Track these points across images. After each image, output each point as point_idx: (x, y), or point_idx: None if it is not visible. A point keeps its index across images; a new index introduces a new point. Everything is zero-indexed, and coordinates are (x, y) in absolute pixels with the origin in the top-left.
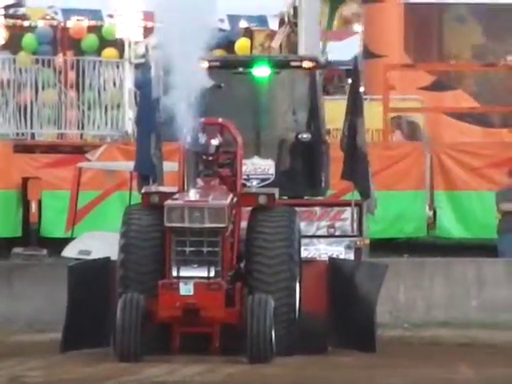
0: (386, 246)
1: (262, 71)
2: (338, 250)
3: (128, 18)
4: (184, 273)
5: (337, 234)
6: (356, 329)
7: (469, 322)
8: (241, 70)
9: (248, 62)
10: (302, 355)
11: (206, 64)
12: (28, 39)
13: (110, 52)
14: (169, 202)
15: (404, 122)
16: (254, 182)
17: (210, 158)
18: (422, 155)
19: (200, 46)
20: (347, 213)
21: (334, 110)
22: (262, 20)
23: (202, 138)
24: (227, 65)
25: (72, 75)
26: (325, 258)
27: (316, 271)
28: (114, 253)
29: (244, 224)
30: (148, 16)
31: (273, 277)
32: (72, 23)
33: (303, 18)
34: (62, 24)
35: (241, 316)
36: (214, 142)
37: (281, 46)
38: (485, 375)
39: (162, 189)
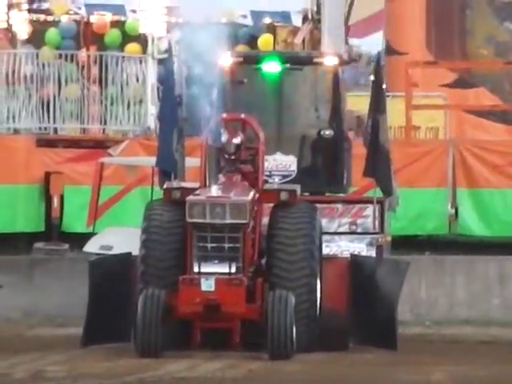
0: (407, 244)
1: (275, 67)
2: (360, 247)
3: (151, 13)
4: (205, 268)
5: (358, 231)
6: (377, 326)
7: (490, 320)
8: (263, 66)
9: (271, 58)
10: (323, 352)
11: (229, 60)
12: (51, 34)
13: (133, 47)
14: (190, 197)
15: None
16: (276, 179)
17: (232, 157)
18: (444, 153)
19: (222, 41)
20: (369, 210)
21: (358, 106)
22: (285, 16)
23: (224, 137)
24: (250, 60)
25: (95, 70)
26: (346, 254)
27: (337, 268)
28: (135, 248)
29: (265, 220)
30: (171, 11)
31: (293, 273)
32: (95, 18)
33: (326, 15)
34: (86, 19)
35: (261, 312)
36: (236, 140)
37: (304, 42)
38: (506, 373)
39: (184, 184)
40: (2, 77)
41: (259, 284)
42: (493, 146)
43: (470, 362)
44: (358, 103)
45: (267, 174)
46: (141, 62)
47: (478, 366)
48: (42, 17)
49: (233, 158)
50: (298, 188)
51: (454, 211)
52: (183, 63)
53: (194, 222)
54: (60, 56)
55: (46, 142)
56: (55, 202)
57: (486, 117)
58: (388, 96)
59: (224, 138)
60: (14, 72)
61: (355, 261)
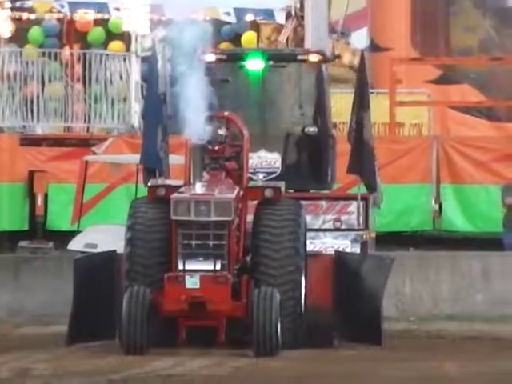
0: (392, 240)
1: (259, 65)
2: (344, 244)
3: (135, 10)
4: (190, 266)
5: (343, 227)
6: (362, 322)
7: (475, 315)
8: (247, 63)
9: (254, 56)
10: (308, 348)
11: (212, 57)
12: (35, 32)
13: (116, 45)
14: (175, 195)
15: None
16: (261, 176)
17: (217, 148)
18: (428, 149)
19: (206, 39)
20: (353, 206)
21: (341, 104)
22: (268, 13)
23: (208, 129)
24: (234, 58)
25: (78, 68)
26: (331, 251)
27: (322, 265)
28: (120, 246)
29: (250, 217)
30: (155, 9)
31: (279, 270)
32: (79, 16)
33: (310, 12)
34: (69, 17)
35: (247, 309)
36: (221, 131)
37: (287, 39)
38: (491, 368)
39: (169, 182)
40: None
41: (244, 281)
42: (477, 143)
43: (455, 357)
44: (341, 100)
45: (251, 171)
46: (124, 60)
47: (462, 362)
48: (25, 15)
49: (216, 151)
50: (282, 185)
51: (438, 207)
52: (167, 61)
53: (179, 219)
54: (43, 54)
55: (30, 141)
56: (39, 200)
57: (471, 113)
58: (372, 93)
59: (208, 130)
60: None
61: (340, 257)
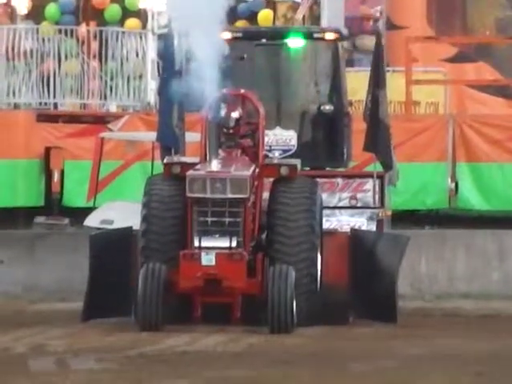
0: (407, 218)
1: (286, 42)
2: (360, 222)
3: None
4: (206, 243)
5: (359, 205)
6: (377, 300)
7: (490, 293)
8: (263, 41)
9: (271, 34)
10: (323, 326)
11: (228, 35)
12: (51, 9)
13: (132, 22)
14: (191, 172)
15: None
16: (276, 153)
17: (231, 131)
18: (444, 127)
19: (222, 16)
20: (369, 184)
21: (357, 82)
22: None
23: (223, 111)
24: (250, 36)
25: (95, 45)
26: (347, 229)
27: (338, 242)
28: (135, 223)
29: (266, 195)
30: None
31: (294, 248)
32: None
33: None
34: None
35: (262, 286)
36: (234, 114)
37: (304, 17)
38: (506, 346)
39: (184, 159)
40: (2, 52)
41: (260, 259)
42: (493, 121)
43: (470, 335)
44: (356, 78)
45: (267, 148)
46: (141, 38)
47: (477, 340)
48: None
49: (231, 132)
50: (298, 163)
51: (453, 186)
52: (183, 38)
53: (195, 196)
54: (60, 31)
55: (46, 117)
56: (55, 176)
57: (487, 91)
58: (388, 71)
59: (223, 112)
60: (13, 47)
61: (355, 235)
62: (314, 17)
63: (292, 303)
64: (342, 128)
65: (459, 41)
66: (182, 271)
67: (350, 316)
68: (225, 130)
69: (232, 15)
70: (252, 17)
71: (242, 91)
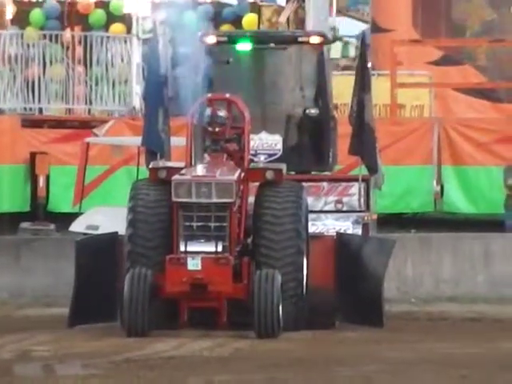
0: (393, 221)
1: (271, 47)
2: (346, 225)
3: None
4: (191, 248)
5: (344, 209)
6: (363, 304)
7: (476, 297)
8: (248, 45)
9: (255, 38)
10: (310, 330)
11: (213, 39)
12: (36, 14)
13: (117, 27)
14: (176, 177)
15: None
16: (262, 158)
17: (217, 130)
18: (429, 130)
19: (207, 21)
20: (355, 188)
21: (342, 85)
22: None
23: (208, 111)
24: (235, 40)
25: (80, 50)
26: (332, 233)
27: (323, 246)
28: (121, 228)
29: (251, 199)
30: None
31: (280, 252)
32: None
33: None
34: None
35: (248, 291)
36: (221, 113)
37: (288, 21)
38: (491, 350)
39: (170, 164)
40: None
41: (246, 263)
42: (478, 124)
43: (457, 338)
44: (342, 82)
45: (253, 153)
46: (126, 42)
47: (464, 343)
48: None
49: (217, 131)
50: (283, 167)
51: (439, 189)
52: (168, 43)
53: (180, 201)
54: (44, 36)
55: (31, 123)
56: (41, 182)
57: (472, 94)
58: (373, 74)
59: (208, 113)
60: None
61: (341, 239)
62: (299, 20)
63: (278, 308)
64: (327, 132)
65: (444, 44)
66: (168, 276)
67: (336, 320)
68: (210, 129)
69: (217, 19)
70: (237, 21)
71: (228, 95)
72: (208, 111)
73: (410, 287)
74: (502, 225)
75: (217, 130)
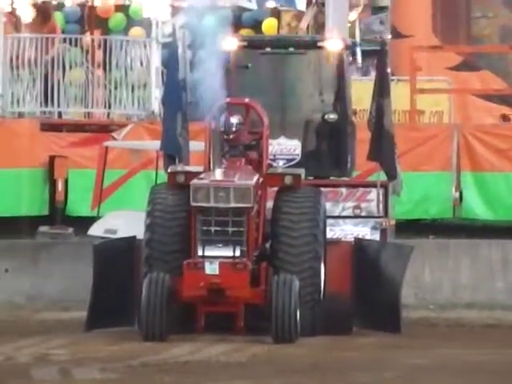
0: (411, 227)
1: (291, 51)
2: (364, 231)
3: None
4: (209, 252)
5: (362, 214)
6: (381, 310)
7: (494, 303)
8: (268, 50)
9: (275, 42)
10: (327, 336)
11: (233, 44)
12: (56, 18)
13: (137, 31)
14: (195, 181)
15: None
16: (280, 163)
17: (231, 136)
18: (448, 136)
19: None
20: (373, 194)
21: (361, 91)
22: (289, 0)
23: (223, 118)
24: (254, 45)
25: (99, 54)
26: (350, 238)
27: (341, 252)
28: (139, 232)
29: (269, 204)
30: None
31: (298, 257)
32: (99, 2)
33: None
34: (90, 3)
35: (266, 296)
36: (234, 120)
37: (308, 26)
38: (509, 356)
39: (188, 168)
40: (7, 61)
41: (263, 268)
42: (497, 130)
43: (474, 345)
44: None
45: (271, 158)
46: (145, 46)
47: (482, 350)
48: (46, 0)
49: (232, 138)
50: (302, 172)
51: (458, 195)
52: (187, 47)
53: (198, 205)
54: (64, 40)
55: (50, 126)
56: (59, 185)
57: (491, 100)
58: (393, 80)
59: (223, 118)
60: (18, 56)
61: (359, 245)
62: (319, 25)
63: (296, 313)
64: (345, 137)
65: (464, 50)
66: (186, 280)
67: (353, 326)
68: (225, 137)
69: (236, 24)
70: (256, 26)
71: (246, 100)
72: (222, 118)
73: (427, 293)
74: None
75: (231, 136)
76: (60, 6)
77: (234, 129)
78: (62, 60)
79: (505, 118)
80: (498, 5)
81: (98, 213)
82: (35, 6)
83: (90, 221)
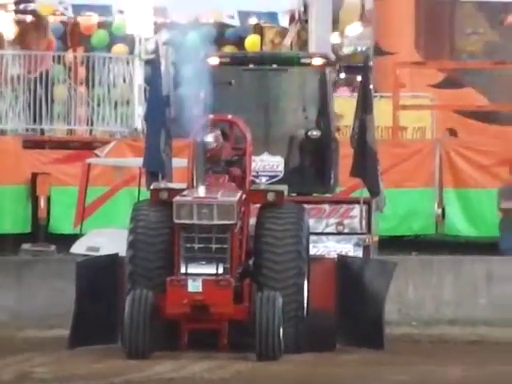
0: (394, 244)
1: (273, 68)
2: (347, 248)
3: (138, 13)
4: (192, 269)
5: (345, 231)
6: (364, 326)
7: (477, 319)
8: (251, 66)
9: (258, 59)
10: (311, 352)
11: (216, 60)
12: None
13: (120, 48)
14: (177, 198)
15: None
16: (263, 179)
17: (214, 153)
18: (431, 153)
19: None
20: (356, 210)
21: (344, 107)
22: (272, 17)
23: (207, 132)
24: (237, 61)
25: (82, 71)
26: (333, 255)
27: (325, 268)
28: (122, 249)
29: (253, 221)
30: (158, 12)
31: (281, 274)
32: (82, 19)
33: (314, 15)
34: (73, 20)
35: (249, 313)
36: (209, 138)
37: (291, 42)
38: (493, 373)
39: (171, 185)
40: None
41: (247, 285)
42: (479, 146)
43: (457, 361)
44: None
45: (254, 174)
46: (128, 63)
47: (465, 366)
48: (28, 17)
49: (212, 153)
50: (285, 188)
51: (440, 211)
52: (170, 64)
53: (182, 222)
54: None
55: (33, 143)
56: (42, 203)
57: (474, 117)
58: (376, 96)
59: (207, 133)
60: (0, 73)
61: (342, 261)
62: (302, 42)
63: (279, 329)
64: (329, 154)
65: (447, 66)
66: (169, 297)
67: (337, 342)
68: (208, 153)
69: (219, 40)
70: (239, 42)
71: (229, 117)
72: (206, 132)
73: (411, 309)
74: (497, 248)
75: (214, 152)
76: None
77: (216, 145)
78: (45, 77)
79: (451, 132)
80: (481, 21)
81: (80, 230)
82: (33, 22)
83: (72, 238)
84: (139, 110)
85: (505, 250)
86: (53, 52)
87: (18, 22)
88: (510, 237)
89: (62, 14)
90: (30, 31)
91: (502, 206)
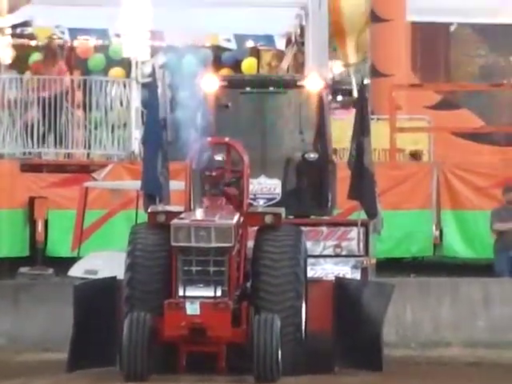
0: (392, 266)
1: (271, 91)
2: (345, 270)
3: (135, 37)
4: (190, 292)
5: (343, 253)
6: (363, 348)
7: (475, 341)
8: (248, 89)
9: (255, 82)
10: (309, 375)
11: (213, 83)
12: (35, 58)
13: (116, 71)
14: (175, 221)
15: None
16: (261, 202)
17: (214, 174)
18: (428, 175)
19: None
20: (354, 232)
21: (341, 130)
22: (268, 39)
23: (206, 155)
24: (234, 84)
25: (79, 95)
26: (331, 277)
27: (322, 291)
28: (120, 272)
29: (250, 243)
30: (155, 35)
31: (279, 296)
32: (79, 43)
33: (310, 38)
34: (69, 43)
35: (247, 335)
36: (218, 156)
37: (288, 65)
38: None
39: (169, 208)
40: None
41: (244, 307)
42: (477, 168)
43: (456, 383)
44: (341, 126)
45: (252, 197)
46: (125, 86)
47: None
48: (25, 41)
49: (214, 176)
50: (282, 211)
51: (438, 233)
52: (167, 87)
53: (179, 245)
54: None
55: (30, 167)
56: (39, 226)
57: (471, 139)
58: (372, 119)
59: (206, 156)
60: None
61: (340, 283)
62: (298, 65)
63: (277, 352)
64: (326, 176)
65: (443, 88)
66: (167, 320)
67: (335, 365)
68: (207, 173)
69: (216, 63)
70: (236, 65)
71: (227, 139)
72: (205, 155)
73: (409, 331)
74: (492, 269)
75: (214, 173)
76: (39, 47)
77: (216, 165)
78: (42, 100)
79: (414, 155)
80: (478, 44)
81: (78, 253)
82: (45, 47)
83: (70, 261)
84: (136, 133)
85: (499, 271)
86: (64, 75)
87: (15, 46)
88: (504, 258)
89: (59, 38)
90: (47, 58)
91: (494, 228)
